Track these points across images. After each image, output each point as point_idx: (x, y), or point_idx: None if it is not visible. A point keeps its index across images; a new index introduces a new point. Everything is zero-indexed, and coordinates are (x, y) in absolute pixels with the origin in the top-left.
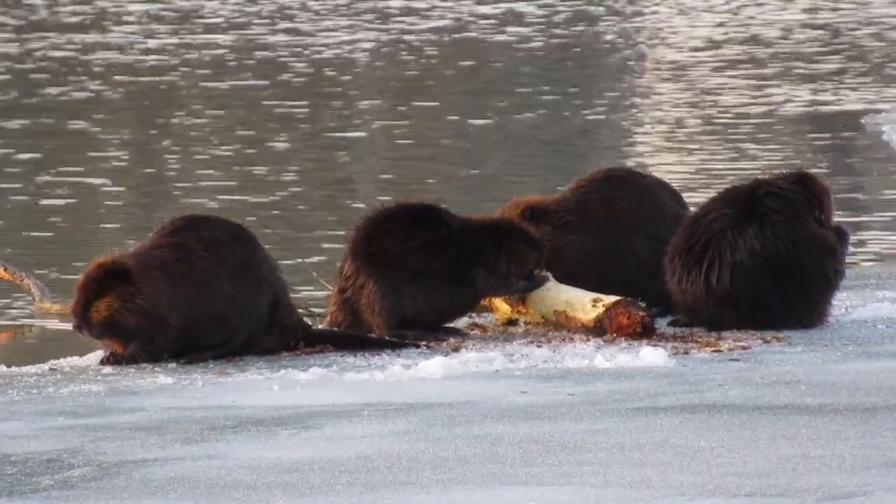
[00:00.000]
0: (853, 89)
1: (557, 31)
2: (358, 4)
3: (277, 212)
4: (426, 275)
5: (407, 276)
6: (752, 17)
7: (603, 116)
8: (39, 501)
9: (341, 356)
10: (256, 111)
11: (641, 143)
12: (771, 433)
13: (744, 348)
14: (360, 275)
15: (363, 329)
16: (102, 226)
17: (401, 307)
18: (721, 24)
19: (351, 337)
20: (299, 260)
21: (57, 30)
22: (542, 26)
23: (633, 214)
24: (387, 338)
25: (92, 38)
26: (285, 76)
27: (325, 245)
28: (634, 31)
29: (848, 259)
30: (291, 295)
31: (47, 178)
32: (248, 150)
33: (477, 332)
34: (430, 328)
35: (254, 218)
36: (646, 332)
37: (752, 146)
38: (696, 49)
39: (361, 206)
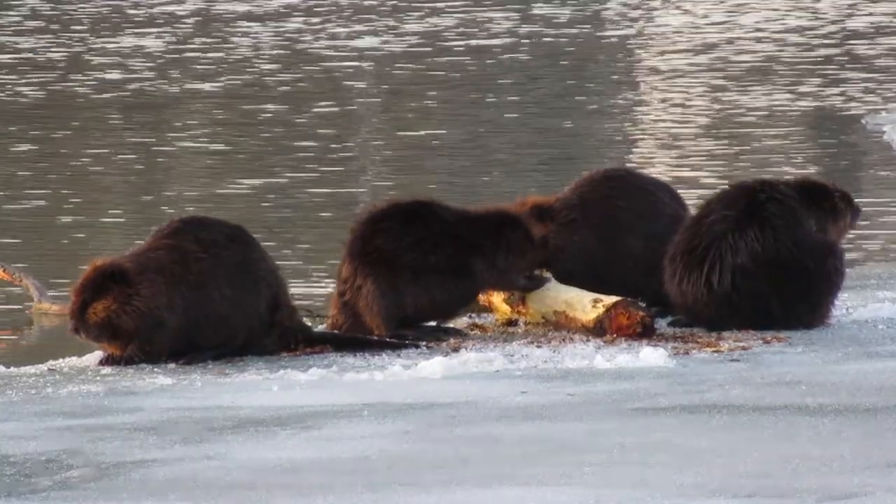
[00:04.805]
0: (853, 90)
1: (557, 34)
2: (358, 7)
3: (278, 213)
4: (424, 271)
5: (404, 273)
6: (751, 19)
7: (602, 120)
8: (39, 502)
9: (341, 357)
10: (256, 113)
11: (641, 145)
12: (771, 433)
13: (744, 349)
14: (357, 276)
15: (364, 331)
16: (101, 227)
17: (400, 306)
18: (720, 27)
19: (350, 338)
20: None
21: (63, 31)
22: (542, 29)
23: (630, 214)
24: (386, 339)
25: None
26: (285, 78)
27: (327, 246)
28: (633, 33)
29: (848, 259)
30: (292, 296)
31: (44, 178)
32: (247, 152)
33: (477, 332)
34: (429, 328)
35: (253, 219)
36: (646, 333)
37: (752, 146)
38: (696, 51)
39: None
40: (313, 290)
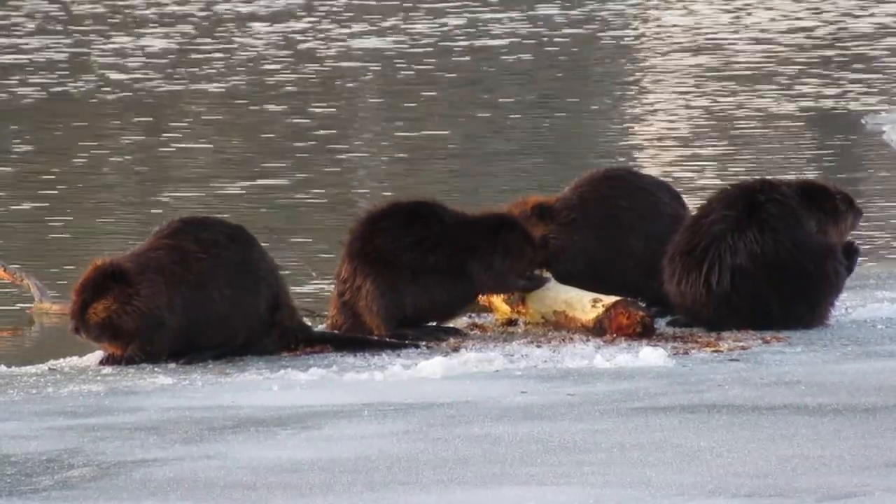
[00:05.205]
0: (853, 90)
1: (558, 34)
2: (359, 7)
3: (277, 213)
4: (423, 271)
5: (403, 273)
6: (751, 19)
7: (602, 119)
8: (39, 502)
9: (341, 356)
10: (256, 114)
11: (641, 145)
12: (770, 433)
13: (743, 348)
14: (356, 276)
15: (364, 331)
16: (101, 227)
17: (400, 306)
18: (721, 27)
19: (351, 338)
20: (309, 269)
21: (68, 30)
22: (541, 30)
23: (630, 214)
24: (386, 339)
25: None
26: (285, 79)
27: (326, 246)
28: (634, 34)
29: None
30: (293, 296)
31: (45, 178)
32: (247, 153)
33: (477, 332)
34: (429, 328)
35: (253, 219)
36: (645, 332)
37: (752, 147)
38: (696, 51)
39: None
40: (313, 290)
